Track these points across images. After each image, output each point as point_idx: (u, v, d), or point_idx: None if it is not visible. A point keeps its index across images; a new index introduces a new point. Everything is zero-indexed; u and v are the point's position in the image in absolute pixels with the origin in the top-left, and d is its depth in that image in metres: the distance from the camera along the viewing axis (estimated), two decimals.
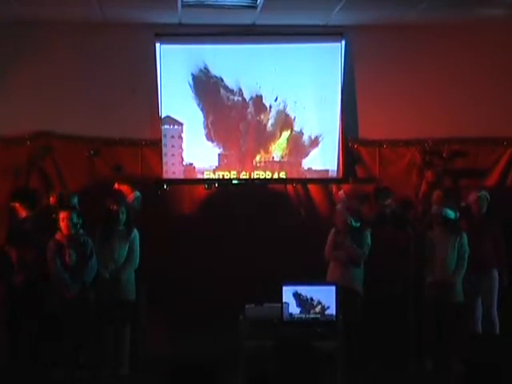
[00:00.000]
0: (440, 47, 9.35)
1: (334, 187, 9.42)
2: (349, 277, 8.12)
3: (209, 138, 9.33)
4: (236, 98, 9.30)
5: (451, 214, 8.13)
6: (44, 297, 7.75)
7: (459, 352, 7.64)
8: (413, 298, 8.10)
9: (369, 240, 8.18)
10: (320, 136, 9.36)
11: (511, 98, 9.39)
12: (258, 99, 9.30)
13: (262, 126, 9.34)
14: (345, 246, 8.16)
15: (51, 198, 8.50)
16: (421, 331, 8.11)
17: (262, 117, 9.34)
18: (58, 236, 7.80)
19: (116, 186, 8.79)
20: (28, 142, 9.16)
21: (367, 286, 8.20)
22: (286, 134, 9.39)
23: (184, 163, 9.32)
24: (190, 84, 9.29)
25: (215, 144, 9.33)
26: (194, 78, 9.28)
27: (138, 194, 8.74)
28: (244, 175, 9.34)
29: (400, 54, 9.38)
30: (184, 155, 9.32)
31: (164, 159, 9.25)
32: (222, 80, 9.26)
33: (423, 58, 9.36)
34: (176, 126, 9.30)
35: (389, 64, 9.36)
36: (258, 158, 9.36)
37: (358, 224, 8.14)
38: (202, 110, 9.32)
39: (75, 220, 7.81)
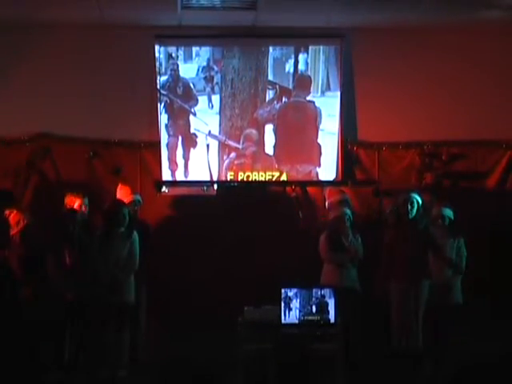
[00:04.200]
0: (440, 49, 9.35)
1: (327, 193, 9.37)
2: (347, 277, 8.16)
3: (208, 139, 9.32)
4: (235, 99, 9.28)
5: (450, 213, 8.17)
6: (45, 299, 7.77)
7: (457, 353, 7.70)
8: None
9: (360, 239, 8.33)
10: (319, 138, 9.35)
11: (511, 101, 9.39)
12: (256, 100, 9.29)
13: (261, 126, 9.33)
14: (344, 246, 8.21)
15: (67, 200, 8.43)
16: (420, 333, 8.11)
17: (262, 117, 9.33)
18: (58, 237, 7.82)
19: (117, 187, 8.78)
20: (27, 144, 9.14)
21: (367, 287, 8.21)
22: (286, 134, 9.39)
23: (183, 165, 9.31)
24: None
25: (215, 145, 9.32)
26: (193, 79, 9.27)
27: (138, 196, 8.72)
28: (242, 176, 9.33)
29: (400, 56, 9.37)
30: (183, 157, 9.32)
31: (163, 161, 9.24)
32: (221, 81, 9.25)
33: (423, 60, 9.36)
34: (175, 128, 9.29)
35: (389, 66, 9.36)
36: (256, 159, 9.35)
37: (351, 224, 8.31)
38: (200, 111, 9.30)
39: (77, 221, 7.86)
